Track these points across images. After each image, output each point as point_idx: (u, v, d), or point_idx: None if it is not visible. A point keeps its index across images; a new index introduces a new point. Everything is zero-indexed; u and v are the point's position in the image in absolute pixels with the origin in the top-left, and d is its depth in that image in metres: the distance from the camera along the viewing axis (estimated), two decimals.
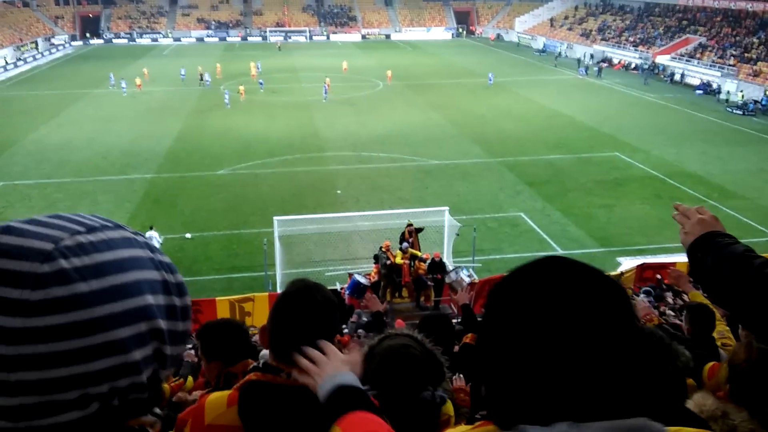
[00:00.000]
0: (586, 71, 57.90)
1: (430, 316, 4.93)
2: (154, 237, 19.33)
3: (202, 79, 51.89)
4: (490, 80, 51.76)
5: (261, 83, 49.92)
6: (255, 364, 2.19)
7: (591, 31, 74.75)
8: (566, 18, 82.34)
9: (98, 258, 0.91)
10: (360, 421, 1.56)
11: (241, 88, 46.76)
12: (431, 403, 2.59)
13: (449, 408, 2.70)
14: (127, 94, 46.70)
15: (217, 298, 16.00)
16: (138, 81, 49.76)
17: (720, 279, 1.59)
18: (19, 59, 66.39)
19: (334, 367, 1.83)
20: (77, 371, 0.87)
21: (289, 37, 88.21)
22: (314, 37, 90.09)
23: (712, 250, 1.67)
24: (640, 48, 64.08)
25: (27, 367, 0.84)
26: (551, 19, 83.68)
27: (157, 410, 1.07)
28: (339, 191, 26.28)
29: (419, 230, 17.25)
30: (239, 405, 2.04)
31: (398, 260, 15.98)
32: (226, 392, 2.13)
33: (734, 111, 42.51)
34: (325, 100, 45.02)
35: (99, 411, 0.91)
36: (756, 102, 43.30)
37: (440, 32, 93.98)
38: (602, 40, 70.85)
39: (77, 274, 0.87)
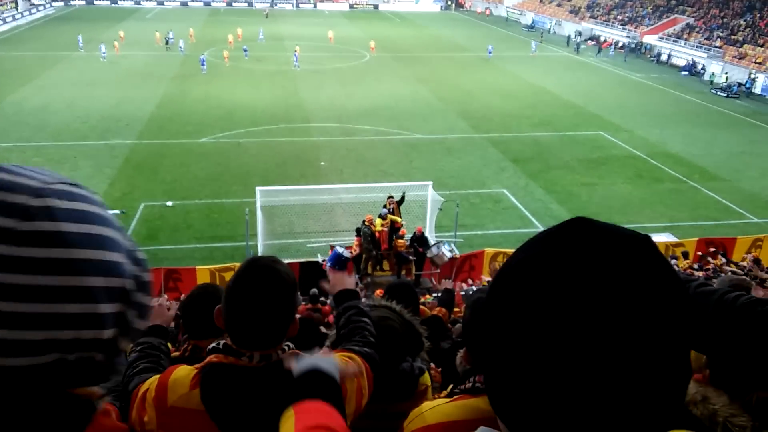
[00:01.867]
0: (536, 47, 56.98)
1: (395, 284, 4.93)
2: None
3: (167, 43, 50.80)
4: (490, 52, 52.15)
5: (245, 50, 49.15)
6: (214, 344, 2.08)
7: (580, 7, 74.39)
8: None
9: (84, 207, 0.95)
10: (316, 411, 1.54)
11: (225, 53, 46.14)
12: (410, 374, 2.59)
13: (427, 378, 2.71)
14: (106, 60, 45.79)
15: (197, 267, 15.95)
16: (116, 44, 48.85)
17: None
18: None
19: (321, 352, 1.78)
20: (48, 310, 0.88)
21: (275, 4, 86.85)
22: (300, 5, 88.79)
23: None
24: (628, 27, 63.96)
25: (1, 297, 0.85)
26: None
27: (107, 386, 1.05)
28: (323, 163, 26.12)
29: (401, 202, 17.17)
30: (201, 389, 1.98)
31: (377, 227, 15.97)
32: (191, 372, 2.05)
33: (718, 93, 42.73)
34: (296, 68, 44.89)
35: (54, 364, 0.91)
36: (740, 84, 43.57)
37: (429, 4, 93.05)
38: (591, 17, 70.59)
39: (64, 215, 0.90)
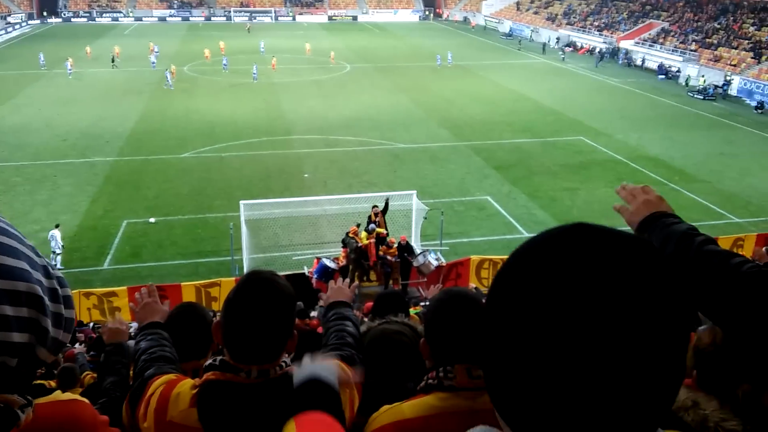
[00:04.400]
0: (440, 60, 52.56)
1: (384, 294, 4.97)
2: (56, 237, 18.20)
3: (113, 61, 50.05)
4: (449, 60, 52.70)
5: (225, 64, 49.10)
6: (211, 361, 2.06)
7: (557, 15, 75.22)
8: (532, 2, 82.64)
9: None
10: (317, 422, 1.53)
11: (173, 67, 45.58)
12: (412, 392, 2.56)
13: None
14: (72, 76, 45.54)
15: (182, 283, 15.82)
16: (70, 60, 47.46)
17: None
18: None
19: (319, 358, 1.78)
20: None
21: (254, 18, 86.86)
22: (280, 18, 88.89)
23: (657, 230, 1.67)
24: (604, 33, 64.75)
25: None
26: (517, 3, 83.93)
27: (30, 398, 1.07)
28: (306, 175, 26.08)
29: (385, 210, 17.12)
30: (198, 407, 1.96)
31: (364, 240, 15.97)
32: (192, 388, 2.04)
33: (695, 96, 43.30)
34: (254, 80, 44.87)
35: None
36: (716, 87, 44.17)
37: (407, 15, 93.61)
38: (567, 24, 71.39)
39: None
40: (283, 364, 2.04)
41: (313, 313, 10.58)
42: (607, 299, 0.76)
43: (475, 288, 13.13)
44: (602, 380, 0.75)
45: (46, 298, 1.01)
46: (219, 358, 2.05)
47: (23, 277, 0.97)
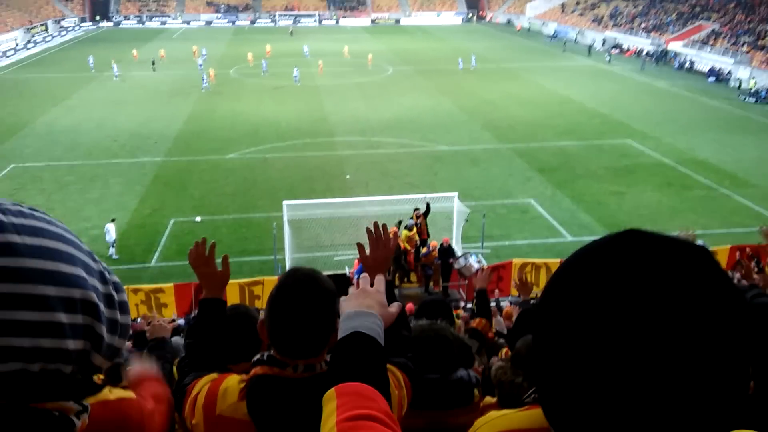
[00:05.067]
0: (462, 63, 52.09)
1: (428, 301, 4.95)
2: (110, 230, 19.02)
3: (153, 64, 51.04)
4: (473, 64, 52.04)
5: (264, 69, 49.75)
6: (259, 356, 2.11)
7: (602, 16, 74.01)
8: (578, 3, 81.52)
9: (35, 223, 0.96)
10: (358, 395, 1.43)
11: (211, 71, 46.32)
12: (468, 383, 2.59)
13: (477, 391, 2.72)
14: (118, 79, 46.73)
15: None
16: (113, 62, 48.94)
17: None
18: (30, 41, 66.39)
19: (362, 303, 1.57)
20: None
21: (299, 21, 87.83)
22: (323, 22, 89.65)
23: None
24: (652, 34, 63.42)
25: None
26: (563, 5, 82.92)
27: (86, 403, 1.06)
28: (348, 176, 26.23)
29: (426, 213, 17.07)
30: (247, 401, 2.01)
31: (404, 239, 15.99)
32: (240, 382, 2.08)
33: (747, 99, 42.07)
34: (296, 83, 45.31)
35: (17, 374, 0.91)
36: None
37: (450, 17, 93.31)
38: (614, 26, 70.15)
39: (13, 228, 0.92)
40: (329, 358, 2.07)
41: None
42: (664, 309, 0.74)
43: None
44: (659, 388, 0.73)
45: (101, 305, 1.02)
46: (266, 353, 2.10)
47: (78, 284, 0.98)
